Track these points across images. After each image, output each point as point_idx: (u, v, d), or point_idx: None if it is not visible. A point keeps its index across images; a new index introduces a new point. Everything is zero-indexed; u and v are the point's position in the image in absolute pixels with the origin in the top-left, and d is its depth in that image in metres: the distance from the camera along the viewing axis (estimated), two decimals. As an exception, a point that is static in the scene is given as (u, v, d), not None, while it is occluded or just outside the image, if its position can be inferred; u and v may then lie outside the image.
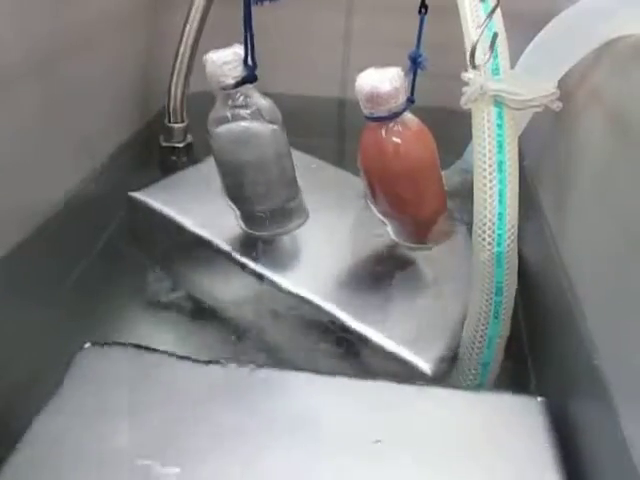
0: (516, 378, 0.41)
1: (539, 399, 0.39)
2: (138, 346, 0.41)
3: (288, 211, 0.53)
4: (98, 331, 0.43)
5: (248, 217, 0.53)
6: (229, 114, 0.48)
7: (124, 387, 0.39)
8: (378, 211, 0.51)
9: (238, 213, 0.53)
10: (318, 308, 0.47)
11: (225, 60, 0.47)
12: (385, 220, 0.51)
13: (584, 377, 0.39)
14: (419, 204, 0.49)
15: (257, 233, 0.54)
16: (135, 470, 0.33)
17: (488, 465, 0.35)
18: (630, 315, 0.36)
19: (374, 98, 0.44)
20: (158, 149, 0.72)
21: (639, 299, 0.35)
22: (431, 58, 0.46)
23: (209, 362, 0.40)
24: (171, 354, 0.40)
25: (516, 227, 0.48)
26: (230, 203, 0.53)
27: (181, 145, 0.72)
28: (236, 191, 0.52)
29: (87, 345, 0.41)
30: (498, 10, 0.45)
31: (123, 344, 0.41)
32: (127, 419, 0.36)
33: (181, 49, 0.68)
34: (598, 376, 0.37)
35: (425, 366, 0.42)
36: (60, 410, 0.36)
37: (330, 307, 0.46)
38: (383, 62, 0.45)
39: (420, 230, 0.51)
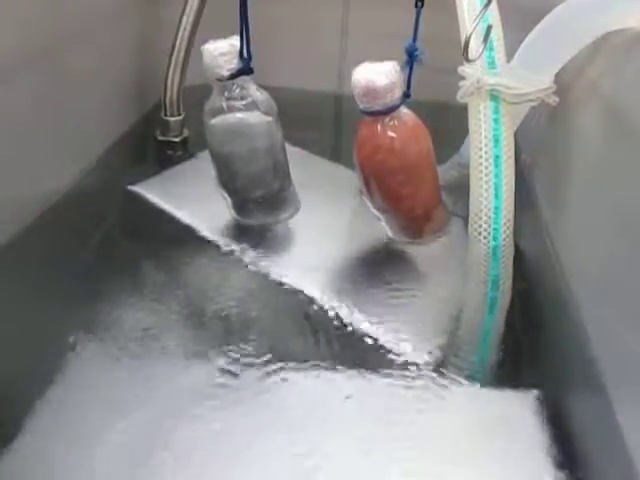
0: (511, 372, 0.41)
1: (534, 392, 0.39)
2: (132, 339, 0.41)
3: (279, 201, 0.53)
4: (94, 324, 0.43)
5: (239, 206, 0.54)
6: (224, 105, 0.48)
7: (120, 380, 0.39)
8: (373, 206, 0.51)
9: (230, 202, 0.54)
10: (311, 299, 0.47)
11: (221, 51, 0.47)
12: (380, 215, 0.51)
13: (579, 370, 0.39)
14: (414, 199, 0.49)
15: (248, 222, 0.54)
16: (127, 465, 0.33)
17: (484, 458, 0.35)
18: (624, 308, 0.36)
19: (370, 92, 0.44)
20: (154, 142, 0.72)
21: (634, 292, 0.35)
22: (428, 52, 0.46)
23: (204, 357, 0.40)
24: (165, 350, 0.41)
25: (512, 221, 0.48)
26: (222, 192, 0.53)
27: (177, 139, 0.72)
28: (229, 180, 0.52)
29: (82, 337, 0.41)
30: (494, 3, 0.45)
31: (118, 337, 0.41)
32: (121, 414, 0.36)
33: (178, 41, 0.67)
34: (593, 369, 0.37)
35: (420, 360, 0.42)
36: (57, 401, 0.37)
37: (323, 300, 0.46)
38: (380, 56, 0.45)
39: (415, 225, 0.51)
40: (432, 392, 0.39)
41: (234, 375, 0.39)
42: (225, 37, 0.48)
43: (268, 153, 0.51)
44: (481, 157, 0.47)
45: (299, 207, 0.54)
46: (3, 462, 0.33)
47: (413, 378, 0.40)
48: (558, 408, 0.38)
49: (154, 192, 0.59)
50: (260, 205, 0.53)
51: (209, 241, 0.53)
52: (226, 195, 0.53)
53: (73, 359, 0.40)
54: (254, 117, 0.49)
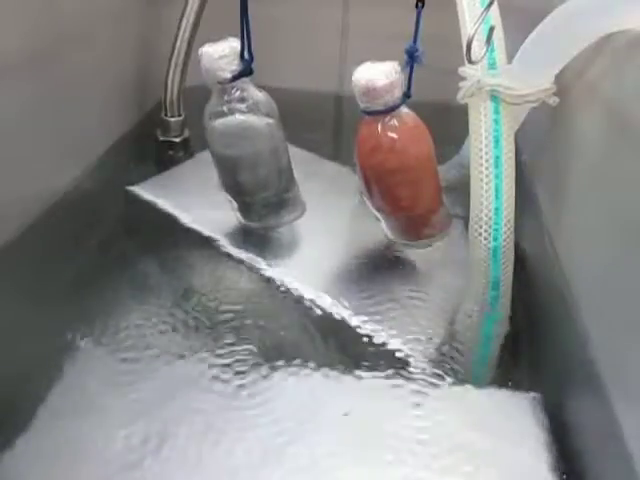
0: (511, 372, 0.41)
1: (534, 395, 0.39)
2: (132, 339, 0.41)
3: (284, 203, 0.53)
4: (94, 325, 0.43)
5: (245, 209, 0.54)
6: (225, 108, 0.48)
7: (119, 380, 0.39)
8: (373, 207, 0.51)
9: (235, 205, 0.54)
10: (312, 301, 0.47)
11: (221, 54, 0.47)
12: (380, 216, 0.51)
13: (579, 372, 0.39)
14: (414, 200, 0.49)
15: (254, 224, 0.54)
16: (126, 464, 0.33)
17: (483, 459, 0.35)
18: (625, 309, 0.36)
19: (370, 92, 0.44)
20: (155, 143, 0.72)
21: (634, 293, 0.35)
22: (428, 52, 0.46)
23: (204, 358, 0.41)
24: (164, 351, 0.41)
25: (512, 222, 0.48)
26: (227, 195, 0.53)
27: (178, 139, 0.72)
28: (233, 184, 0.52)
29: (82, 337, 0.41)
30: (495, 4, 0.45)
31: (118, 336, 0.42)
32: (121, 414, 0.36)
33: (178, 42, 0.67)
34: (593, 370, 0.37)
35: (420, 360, 0.42)
36: (57, 401, 0.37)
37: (324, 300, 0.47)
38: (380, 56, 0.45)
39: (415, 226, 0.51)
40: (431, 393, 0.39)
41: (234, 375, 0.39)
42: (225, 38, 0.48)
43: (271, 155, 0.51)
44: (481, 158, 0.47)
45: (304, 210, 0.54)
46: (3, 463, 0.33)
47: (413, 379, 0.40)
48: (558, 409, 0.38)
49: (154, 192, 0.60)
50: (264, 208, 0.53)
51: (209, 241, 0.53)
52: (230, 198, 0.53)
53: (73, 359, 0.40)
54: (256, 119, 0.49)
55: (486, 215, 0.47)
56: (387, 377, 0.40)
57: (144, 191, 0.60)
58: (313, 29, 0.83)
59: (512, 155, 0.47)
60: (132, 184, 0.61)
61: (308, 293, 0.47)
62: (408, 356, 0.42)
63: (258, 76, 0.49)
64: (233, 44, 0.47)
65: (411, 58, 0.46)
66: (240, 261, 0.51)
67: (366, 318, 0.45)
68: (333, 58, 0.83)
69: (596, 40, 0.45)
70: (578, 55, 0.46)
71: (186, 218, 0.56)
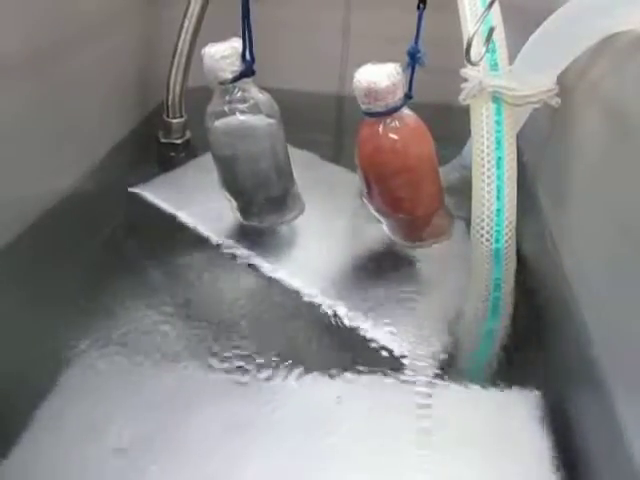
0: (513, 372, 0.41)
1: (536, 393, 0.39)
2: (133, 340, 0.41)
3: (283, 203, 0.53)
4: (96, 326, 0.43)
5: (244, 208, 0.54)
6: (226, 108, 0.49)
7: (120, 388, 0.39)
8: (374, 208, 0.51)
9: (234, 204, 0.54)
10: (313, 302, 0.47)
11: (223, 54, 0.47)
12: (381, 218, 0.51)
13: (581, 370, 0.39)
14: (415, 202, 0.49)
15: (253, 224, 0.54)
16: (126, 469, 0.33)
17: (485, 458, 0.35)
18: (626, 308, 0.36)
19: (372, 93, 0.44)
20: (157, 144, 0.72)
21: (634, 292, 0.35)
22: (430, 54, 0.46)
23: (205, 358, 0.41)
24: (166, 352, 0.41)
25: (514, 223, 0.48)
26: (227, 195, 0.53)
27: (180, 141, 0.72)
28: (232, 183, 0.52)
29: (83, 339, 0.41)
30: (497, 5, 0.45)
31: (120, 338, 0.42)
32: (122, 421, 0.36)
33: (180, 43, 0.67)
34: (595, 368, 0.37)
35: (421, 360, 0.42)
36: (58, 402, 0.37)
37: (324, 301, 0.47)
38: (382, 58, 0.45)
39: (416, 227, 0.51)
40: (432, 392, 0.39)
41: (235, 375, 0.39)
42: (227, 39, 0.48)
43: (271, 155, 0.51)
44: (483, 159, 0.47)
45: (303, 209, 0.54)
46: (3, 462, 0.33)
47: (413, 378, 0.40)
48: (559, 408, 0.38)
49: (156, 194, 0.60)
50: (264, 207, 0.53)
51: (211, 243, 0.53)
52: (230, 198, 0.54)
53: (74, 360, 0.40)
54: (257, 119, 0.49)
55: (488, 216, 0.48)
56: (387, 377, 0.40)
57: (146, 192, 0.60)
58: (315, 30, 0.83)
59: (514, 156, 0.47)
60: (134, 186, 0.61)
61: (309, 293, 0.47)
62: (409, 356, 0.42)
63: (259, 77, 0.49)
64: (235, 45, 0.47)
65: (413, 59, 0.46)
66: (242, 262, 0.51)
67: (367, 319, 0.45)
68: (334, 59, 0.83)
69: (598, 41, 0.45)
70: (580, 56, 0.46)
71: (188, 219, 0.56)
